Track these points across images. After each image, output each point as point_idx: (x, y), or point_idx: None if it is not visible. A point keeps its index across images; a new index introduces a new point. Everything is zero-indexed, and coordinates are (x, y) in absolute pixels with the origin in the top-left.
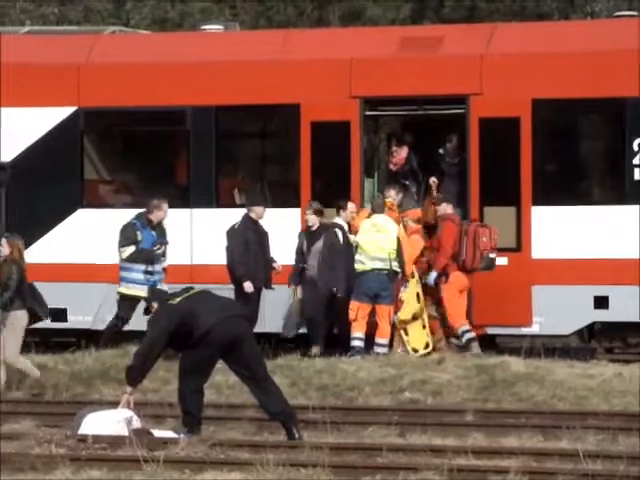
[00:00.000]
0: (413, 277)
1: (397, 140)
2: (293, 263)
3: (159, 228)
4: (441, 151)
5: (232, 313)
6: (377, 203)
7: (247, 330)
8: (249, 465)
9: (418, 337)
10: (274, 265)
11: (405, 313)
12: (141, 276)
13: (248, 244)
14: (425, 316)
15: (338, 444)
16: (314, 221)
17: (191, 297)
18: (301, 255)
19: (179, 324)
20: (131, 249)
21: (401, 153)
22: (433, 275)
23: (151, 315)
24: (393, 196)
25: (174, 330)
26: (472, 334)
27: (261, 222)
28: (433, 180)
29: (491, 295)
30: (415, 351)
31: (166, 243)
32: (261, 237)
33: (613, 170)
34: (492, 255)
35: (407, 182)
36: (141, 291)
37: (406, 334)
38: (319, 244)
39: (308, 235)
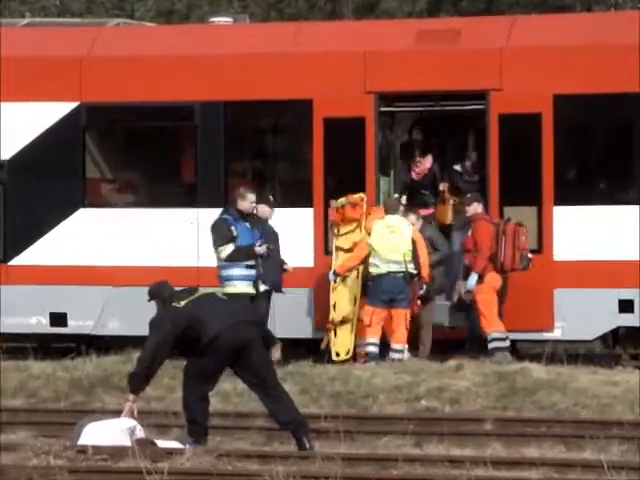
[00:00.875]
0: (345, 278)
1: (421, 150)
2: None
3: (251, 219)
4: (458, 168)
5: (241, 318)
6: (391, 203)
7: (256, 336)
8: (258, 477)
9: (343, 341)
10: (285, 267)
11: (337, 315)
12: (244, 271)
13: None
14: (355, 321)
15: (351, 455)
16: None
17: (197, 300)
18: None
19: (185, 329)
20: (230, 248)
21: (425, 163)
22: (474, 278)
23: (152, 317)
24: (414, 221)
25: (179, 335)
26: (501, 343)
27: (271, 222)
28: (444, 185)
29: (511, 299)
30: (337, 355)
31: (261, 238)
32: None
33: (639, 168)
34: (530, 255)
35: (427, 193)
36: (248, 287)
37: (335, 336)
38: None
39: None
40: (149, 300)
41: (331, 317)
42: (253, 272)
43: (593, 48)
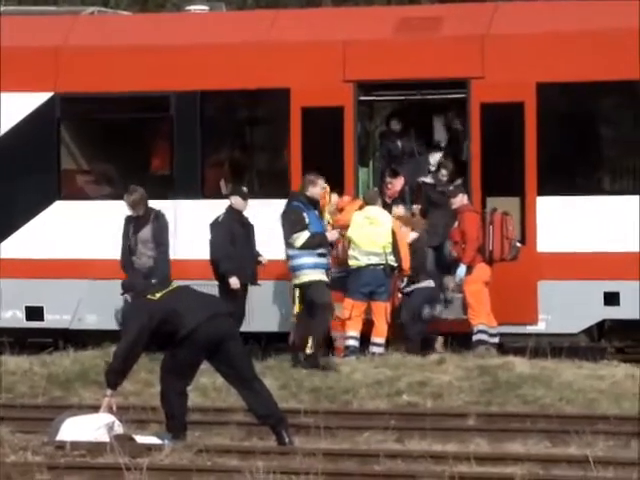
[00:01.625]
0: None
1: (393, 172)
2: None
3: (318, 206)
4: (429, 180)
5: (217, 311)
6: (370, 194)
7: (233, 329)
8: (237, 472)
9: None
10: (260, 259)
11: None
12: (316, 260)
13: (233, 237)
14: None
15: (332, 450)
16: (138, 211)
17: (173, 293)
18: (127, 242)
19: (161, 322)
20: (305, 235)
21: (396, 185)
22: (463, 269)
23: (127, 311)
24: (402, 212)
25: (155, 328)
26: (487, 338)
27: (247, 214)
28: (415, 207)
29: (494, 292)
30: None
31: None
32: (247, 230)
33: (624, 158)
34: (518, 244)
35: None
36: (320, 274)
37: None
38: (146, 232)
39: (135, 221)
40: (122, 293)
41: (295, 311)
42: (325, 260)
43: (577, 35)
